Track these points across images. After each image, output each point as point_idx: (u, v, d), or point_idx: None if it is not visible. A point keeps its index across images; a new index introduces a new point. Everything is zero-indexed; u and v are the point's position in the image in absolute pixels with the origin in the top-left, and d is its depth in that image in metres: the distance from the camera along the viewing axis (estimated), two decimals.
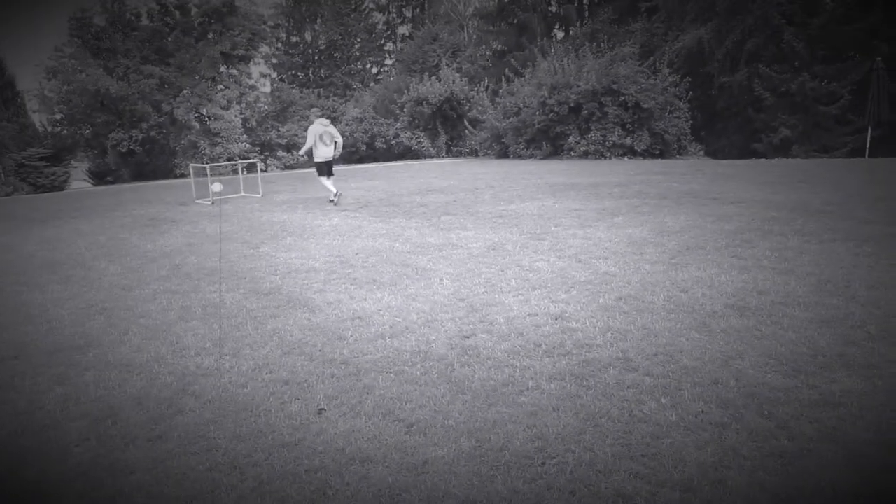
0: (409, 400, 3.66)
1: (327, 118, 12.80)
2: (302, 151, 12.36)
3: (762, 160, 19.53)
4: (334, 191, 11.92)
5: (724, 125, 25.56)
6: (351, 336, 4.74)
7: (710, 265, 6.16)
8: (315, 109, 12.97)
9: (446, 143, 27.95)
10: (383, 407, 3.60)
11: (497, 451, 3.07)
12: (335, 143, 11.98)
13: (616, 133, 19.97)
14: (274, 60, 45.69)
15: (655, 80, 20.72)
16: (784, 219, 8.30)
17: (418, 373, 4.02)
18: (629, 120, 19.97)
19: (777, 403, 3.40)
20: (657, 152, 20.45)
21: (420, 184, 14.83)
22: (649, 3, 28.51)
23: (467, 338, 4.55)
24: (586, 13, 39.47)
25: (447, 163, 23.78)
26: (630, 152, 20.14)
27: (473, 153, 26.62)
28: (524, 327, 4.69)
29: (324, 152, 11.87)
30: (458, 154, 27.93)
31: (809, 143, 22.42)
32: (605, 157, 20.02)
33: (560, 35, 41.28)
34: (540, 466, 2.93)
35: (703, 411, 3.35)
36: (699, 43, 25.24)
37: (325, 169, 12.08)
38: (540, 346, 4.32)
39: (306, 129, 12.35)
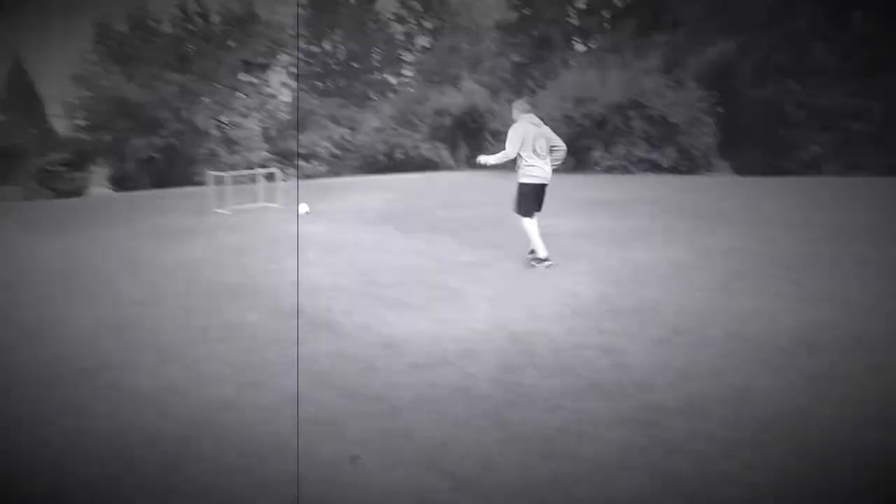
0: (453, 448, 3.26)
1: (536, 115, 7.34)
2: (494, 160, 7.20)
3: (794, 178, 19.01)
4: (543, 247, 7.10)
5: (751, 141, 25.02)
6: (383, 366, 4.35)
7: (764, 293, 5.73)
8: (520, 102, 7.43)
9: (466, 156, 27.63)
10: (425, 456, 3.20)
11: None
12: (552, 151, 7.21)
13: (642, 147, 19.55)
14: (293, 69, 45.77)
15: (681, 93, 20.30)
16: (821, 240, 7.86)
17: (461, 413, 3.62)
18: (655, 134, 19.56)
19: (873, 466, 2.96)
20: (684, 168, 19.99)
21: (444, 197, 14.48)
22: (673, 15, 28.13)
23: (512, 372, 4.15)
24: (606, 26, 39.13)
25: (469, 175, 23.45)
26: (656, 168, 19.69)
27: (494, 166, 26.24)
28: (573, 362, 4.28)
29: (537, 170, 7.00)
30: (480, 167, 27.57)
31: (838, 161, 21.85)
32: (631, 173, 19.58)
33: (580, 48, 40.96)
34: None
35: (795, 473, 2.92)
36: (725, 56, 24.77)
37: (535, 200, 7.16)
38: (594, 385, 3.91)
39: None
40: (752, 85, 23.88)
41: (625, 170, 19.65)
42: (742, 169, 24.09)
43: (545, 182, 7.09)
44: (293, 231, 10.11)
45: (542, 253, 7.05)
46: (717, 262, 6.97)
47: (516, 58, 40.11)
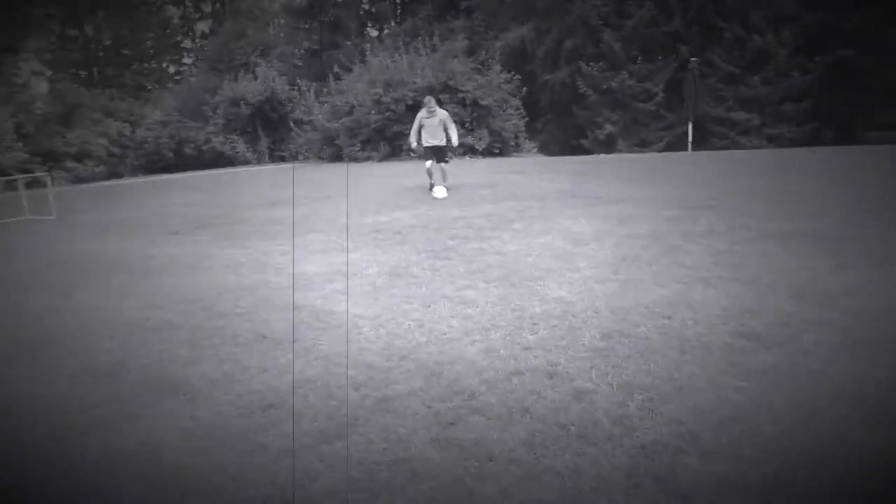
0: None
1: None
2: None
3: (600, 156, 19.98)
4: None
5: (550, 122, 26.15)
6: (273, 442, 3.09)
7: (665, 279, 5.30)
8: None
9: (268, 148, 25.63)
10: None
11: None
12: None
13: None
14: (48, 56, 39.39)
15: (488, 76, 20.38)
16: (683, 218, 7.82)
17: None
18: (468, 118, 19.38)
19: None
20: (497, 150, 20.11)
21: (257, 195, 12.86)
22: (468, 1, 28.43)
23: (452, 425, 3.14)
24: (399, 11, 38.85)
25: (275, 169, 21.63)
26: (471, 151, 19.56)
27: (299, 157, 24.63)
28: (521, 396, 3.38)
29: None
30: (282, 159, 25.74)
31: (631, 138, 23.55)
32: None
33: (374, 33, 40.27)
34: None
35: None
36: (521, 41, 25.52)
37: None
38: (565, 427, 3.03)
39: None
40: (548, 69, 24.84)
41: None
42: (545, 149, 25.12)
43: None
44: (84, 250, 8.07)
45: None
46: (593, 248, 6.50)
47: (308, 43, 38.28)
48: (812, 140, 22.89)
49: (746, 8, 22.76)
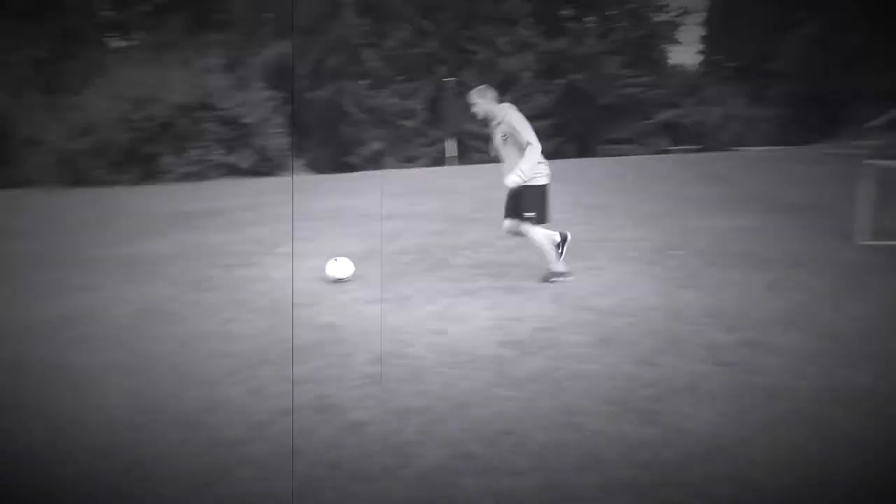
0: None
1: None
2: (530, 170, 5.18)
3: (366, 172, 20.18)
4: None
5: (319, 140, 25.90)
6: None
7: (433, 294, 5.37)
8: (484, 89, 5.43)
9: None
10: None
11: None
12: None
13: (217, 151, 18.24)
14: None
15: (249, 93, 19.64)
16: (449, 231, 8.13)
17: None
18: (229, 136, 18.46)
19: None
20: (263, 170, 19.41)
21: None
22: (223, 15, 27.18)
23: (216, 483, 2.75)
24: (148, 21, 35.96)
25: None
26: (234, 171, 18.65)
27: (31, 181, 21.44)
28: (290, 438, 3.09)
29: (544, 165, 5.34)
30: (13, 185, 22.19)
31: (397, 154, 24.21)
32: (208, 178, 18.13)
33: (115, 44, 36.80)
34: None
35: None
36: (281, 58, 24.98)
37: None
38: (336, 466, 2.82)
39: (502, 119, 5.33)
40: (311, 86, 24.61)
41: (201, 176, 18.08)
42: (314, 166, 24.82)
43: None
44: None
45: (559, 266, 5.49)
46: (368, 266, 6.42)
47: (34, 51, 33.68)
48: (557, 153, 25.54)
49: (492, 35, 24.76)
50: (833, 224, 7.58)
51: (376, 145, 23.57)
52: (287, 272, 6.33)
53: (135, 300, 5.64)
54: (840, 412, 3.06)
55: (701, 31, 38.77)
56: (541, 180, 5.32)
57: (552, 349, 4.05)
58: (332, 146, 26.46)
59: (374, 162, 23.84)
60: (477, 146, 25.10)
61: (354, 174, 20.04)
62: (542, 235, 5.44)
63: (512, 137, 5.26)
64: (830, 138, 23.96)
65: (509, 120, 5.26)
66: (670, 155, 23.41)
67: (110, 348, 4.47)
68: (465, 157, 24.45)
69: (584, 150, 28.36)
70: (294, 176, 20.07)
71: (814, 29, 25.97)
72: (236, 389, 3.70)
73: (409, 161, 24.56)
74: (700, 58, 39.93)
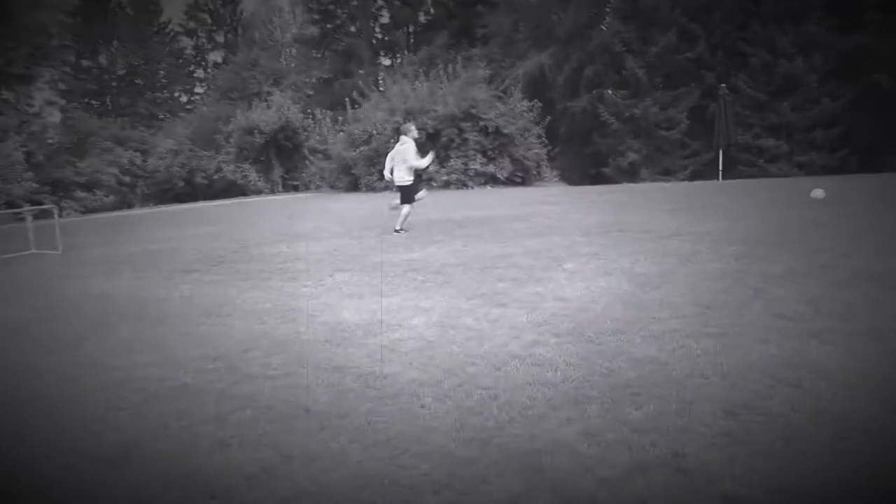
0: None
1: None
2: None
3: (626, 184, 19.27)
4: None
5: (571, 150, 25.50)
6: None
7: (767, 333, 4.50)
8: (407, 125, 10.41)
9: (282, 177, 25.06)
10: None
11: None
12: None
13: (478, 160, 18.65)
14: (62, 86, 39.21)
15: (509, 104, 19.82)
16: (750, 255, 7.05)
17: None
18: (490, 146, 18.77)
19: None
20: (519, 179, 19.45)
21: (275, 228, 12.16)
22: (484, 28, 28.02)
23: None
24: (411, 40, 38.68)
25: (290, 199, 20.99)
26: (493, 180, 18.92)
27: (310, 186, 24.04)
28: (637, 492, 2.57)
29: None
30: (296, 188, 25.16)
31: (654, 166, 22.83)
32: (468, 187, 18.59)
33: (387, 62, 40.11)
34: None
35: None
36: (540, 69, 25.01)
37: None
38: None
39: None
40: (568, 96, 24.27)
41: (462, 184, 18.62)
42: (566, 177, 24.44)
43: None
44: (90, 290, 7.34)
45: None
46: (657, 291, 5.72)
47: (320, 73, 38.06)
48: (842, 167, 22.17)
49: (773, 34, 22.21)
50: None
51: (632, 156, 22.43)
52: (579, 290, 5.86)
53: (429, 310, 5.54)
54: None
55: None
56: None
57: None
58: (582, 157, 25.89)
59: (630, 174, 22.73)
60: (745, 159, 22.78)
61: (612, 186, 19.22)
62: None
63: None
64: None
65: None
66: None
67: (417, 363, 4.33)
68: (731, 170, 22.33)
69: (871, 163, 24.34)
70: (548, 185, 19.84)
71: None
72: (565, 429, 3.23)
73: (665, 174, 23.06)
74: None
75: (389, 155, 10.17)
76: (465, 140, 18.44)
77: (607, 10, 23.71)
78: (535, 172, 20.01)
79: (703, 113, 22.70)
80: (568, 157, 25.93)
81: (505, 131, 18.44)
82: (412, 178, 9.80)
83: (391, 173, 9.96)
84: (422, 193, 10.22)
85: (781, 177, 20.57)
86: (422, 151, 10.30)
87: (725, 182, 17.72)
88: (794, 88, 22.17)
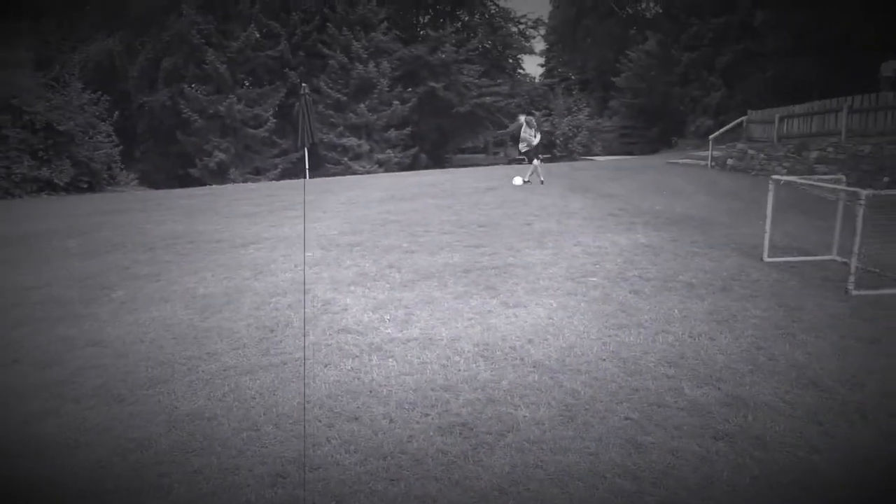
0: None
1: None
2: None
3: (212, 186, 18.13)
4: None
5: (155, 150, 23.09)
6: None
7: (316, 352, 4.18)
8: None
9: None
10: None
11: None
12: None
13: (25, 164, 15.40)
14: None
15: (67, 95, 16.88)
16: (326, 260, 6.91)
17: None
18: (42, 146, 15.68)
19: None
20: (85, 185, 16.73)
21: None
22: (35, 3, 23.50)
23: None
24: None
25: None
26: (49, 187, 15.88)
27: None
28: None
29: None
30: None
31: (243, 166, 22.08)
32: (15, 196, 15.25)
33: None
34: None
35: None
36: (109, 56, 22.02)
37: None
38: None
39: None
40: (146, 89, 21.89)
41: (6, 192, 15.17)
42: (149, 180, 22.02)
43: None
44: None
45: None
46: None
47: None
48: (413, 165, 24.77)
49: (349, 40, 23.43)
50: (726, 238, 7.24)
51: (220, 156, 21.22)
52: (125, 326, 4.78)
53: None
54: None
55: (546, 44, 40.18)
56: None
57: None
58: (164, 157, 23.69)
59: (219, 175, 21.51)
60: (331, 157, 23.70)
61: (199, 189, 17.89)
62: None
63: None
64: (671, 148, 25.29)
65: None
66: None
67: None
68: (318, 168, 23.08)
69: (437, 159, 27.90)
70: (124, 191, 17.53)
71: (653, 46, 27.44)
72: None
73: (256, 173, 22.53)
74: (545, 69, 41.36)
75: None
76: (5, 138, 15.01)
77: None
78: (105, 176, 17.43)
79: (290, 111, 22.83)
80: (152, 158, 23.51)
81: (60, 128, 15.57)
82: None
83: None
84: None
85: (364, 174, 21.88)
86: None
87: (312, 180, 18.01)
88: (368, 91, 23.79)
